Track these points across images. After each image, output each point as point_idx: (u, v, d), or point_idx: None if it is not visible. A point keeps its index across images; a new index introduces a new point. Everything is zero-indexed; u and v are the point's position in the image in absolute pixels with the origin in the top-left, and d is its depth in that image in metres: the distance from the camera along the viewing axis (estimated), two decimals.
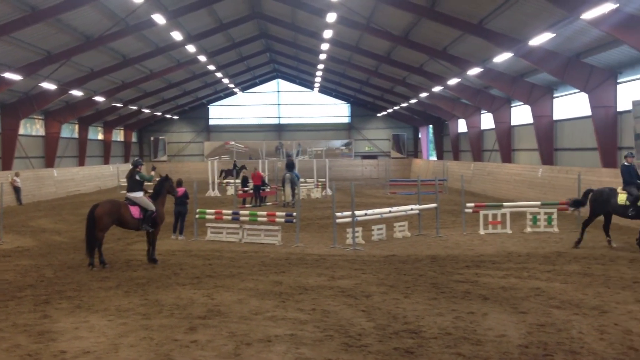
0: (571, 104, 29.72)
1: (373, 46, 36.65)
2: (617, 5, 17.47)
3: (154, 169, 17.28)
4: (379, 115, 63.42)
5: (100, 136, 53.43)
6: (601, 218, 16.72)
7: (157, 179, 15.92)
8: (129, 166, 16.62)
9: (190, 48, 35.04)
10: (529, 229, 19.60)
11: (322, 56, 40.55)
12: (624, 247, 16.35)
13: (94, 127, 51.18)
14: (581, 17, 18.52)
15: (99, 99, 40.76)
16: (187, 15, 31.15)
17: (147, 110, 53.83)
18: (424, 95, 42.59)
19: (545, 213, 19.83)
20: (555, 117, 31.31)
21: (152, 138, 64.26)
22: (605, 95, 25.20)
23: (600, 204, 16.32)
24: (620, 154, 25.23)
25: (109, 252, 16.24)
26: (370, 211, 18.61)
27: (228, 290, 11.84)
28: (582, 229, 16.79)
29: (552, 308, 10.16)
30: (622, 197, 15.75)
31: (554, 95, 31.27)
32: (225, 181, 41.04)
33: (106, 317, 9.95)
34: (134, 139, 61.95)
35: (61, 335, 8.95)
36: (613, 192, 16.09)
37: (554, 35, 21.86)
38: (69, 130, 46.64)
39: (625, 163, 16.03)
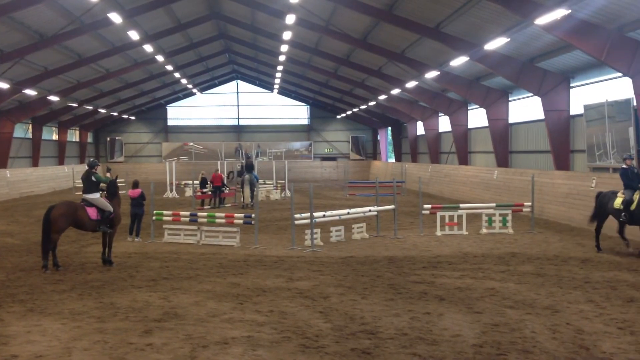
0: (525, 108, 30.29)
1: (332, 48, 36.79)
2: (570, 11, 17.88)
3: (109, 170, 17.05)
4: (338, 117, 63.66)
5: (55, 136, 52.38)
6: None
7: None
8: (84, 167, 16.42)
9: (148, 48, 34.62)
10: (484, 230, 19.92)
11: (282, 58, 40.53)
12: (575, 248, 16.74)
13: (48, 127, 50.14)
14: (535, 22, 18.90)
15: (54, 98, 39.96)
16: (145, 14, 30.79)
17: (103, 110, 52.97)
18: (382, 97, 42.92)
19: (500, 214, 20.19)
20: (510, 120, 31.87)
21: (108, 139, 63.29)
22: (558, 99, 25.74)
23: (602, 206, 16.05)
24: (573, 157, 25.83)
25: (63, 254, 15.94)
26: (328, 213, 18.68)
27: (185, 292, 11.74)
28: (595, 235, 16.35)
29: (506, 308, 10.35)
30: (618, 201, 15.46)
31: (509, 99, 31.82)
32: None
33: (59, 320, 9.77)
34: (89, 139, 60.91)
35: (13, 339, 8.76)
36: (613, 195, 15.76)
37: (509, 40, 22.26)
38: (22, 130, 45.60)
39: (624, 166, 15.77)
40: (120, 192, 15.93)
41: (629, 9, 18.00)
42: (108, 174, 16.64)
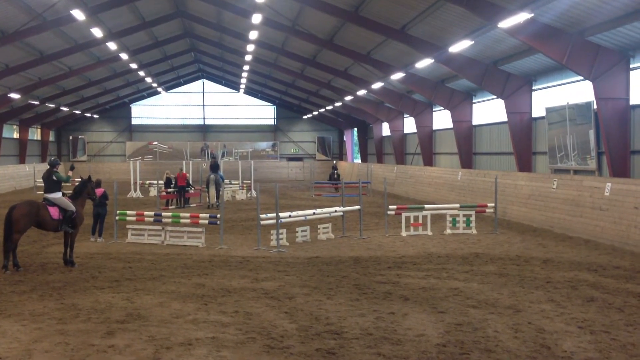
0: (489, 110, 30.68)
1: (299, 49, 36.79)
2: (532, 15, 18.19)
3: (72, 168, 16.74)
4: (304, 117, 63.70)
5: (16, 135, 51.31)
6: None
7: (77, 179, 15.53)
8: (46, 166, 16.21)
9: (112, 45, 34.17)
10: (448, 231, 20.10)
11: (248, 57, 40.40)
12: (537, 249, 17.00)
13: (9, 125, 49.09)
14: (498, 25, 19.19)
15: (15, 96, 39.14)
16: (108, 11, 30.38)
17: (65, 109, 52.14)
18: (348, 98, 43.07)
19: (464, 215, 20.39)
20: (474, 122, 32.24)
21: (71, 137, 62.29)
22: (521, 102, 26.14)
23: None
24: (535, 159, 26.25)
25: (24, 255, 15.64)
26: (294, 213, 18.67)
27: (148, 293, 11.61)
28: None
29: (469, 307, 10.46)
30: None
31: (473, 101, 32.19)
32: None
33: (19, 322, 9.58)
34: (51, 137, 59.83)
35: None
36: None
37: (473, 42, 22.54)
38: None
39: None
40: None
41: (590, 14, 18.37)
42: (70, 173, 16.32)
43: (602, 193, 18.76)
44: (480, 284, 12.35)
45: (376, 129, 49.73)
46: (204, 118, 64.44)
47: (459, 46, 22.69)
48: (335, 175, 42.31)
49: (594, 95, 20.19)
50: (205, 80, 63.35)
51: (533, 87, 26.09)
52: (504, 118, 27.09)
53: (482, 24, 21.59)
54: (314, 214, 19.13)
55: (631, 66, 19.89)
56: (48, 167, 14.89)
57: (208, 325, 9.42)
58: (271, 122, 65.29)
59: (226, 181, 35.11)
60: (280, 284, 12.48)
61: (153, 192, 35.84)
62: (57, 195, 14.53)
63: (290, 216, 18.23)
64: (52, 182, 14.56)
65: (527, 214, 23.14)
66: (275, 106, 64.87)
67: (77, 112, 56.36)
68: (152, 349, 8.26)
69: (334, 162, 53.18)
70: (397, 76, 30.70)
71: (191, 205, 30.49)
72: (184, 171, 31.66)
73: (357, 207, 20.25)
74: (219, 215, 17.67)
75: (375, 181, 41.31)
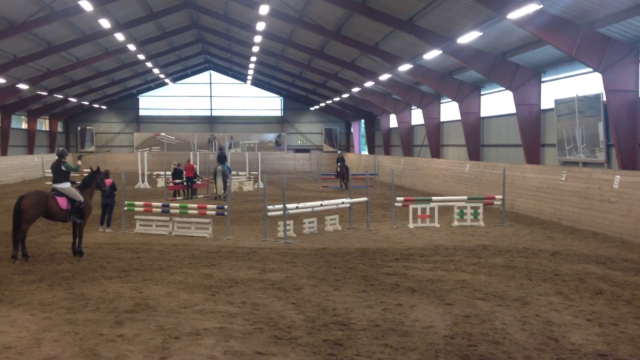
0: (497, 102, 30.54)
1: (306, 40, 36.70)
2: (541, 6, 18.05)
3: (80, 157, 16.83)
4: (311, 109, 63.61)
5: (24, 125, 51.48)
6: None
7: (86, 170, 15.62)
8: (54, 157, 16.29)
9: (119, 36, 34.19)
10: (456, 223, 20.07)
11: (255, 48, 40.31)
12: (545, 241, 16.96)
13: (17, 115, 49.23)
14: (507, 17, 19.05)
15: (23, 86, 39.25)
16: (116, 2, 30.37)
17: (73, 100, 52.23)
18: (356, 90, 42.95)
19: (472, 207, 20.35)
20: (482, 114, 32.11)
21: (79, 128, 62.42)
22: (530, 94, 26.00)
23: None
24: (544, 151, 26.14)
25: (32, 244, 15.72)
26: (301, 204, 18.68)
27: (157, 283, 11.66)
28: None
29: (476, 300, 10.45)
30: None
31: (481, 93, 32.05)
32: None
33: (29, 311, 9.64)
34: (60, 128, 60.00)
35: None
36: None
37: (481, 34, 22.41)
38: None
39: None
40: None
41: (600, 5, 18.23)
42: (79, 162, 16.41)
43: (610, 185, 18.68)
44: (487, 276, 12.33)
45: (383, 120, 49.62)
46: (211, 109, 64.46)
47: (468, 37, 22.56)
48: (340, 170, 34.94)
49: (603, 87, 20.05)
50: (212, 72, 63.30)
51: (542, 79, 25.94)
52: (513, 110, 26.96)
53: (491, 15, 21.45)
54: (321, 205, 19.13)
55: None
56: (56, 157, 14.95)
57: (216, 315, 9.45)
58: (278, 113, 65.25)
59: (233, 172, 35.14)
60: (287, 275, 12.50)
61: (161, 183, 35.91)
62: (66, 185, 14.59)
63: (297, 207, 18.24)
64: (60, 173, 14.63)
65: (535, 206, 23.07)
66: (282, 97, 64.81)
67: (85, 103, 56.47)
68: (161, 338, 8.30)
69: (339, 152, 43.23)
70: (404, 68, 30.57)
71: (198, 196, 30.56)
72: (192, 162, 31.69)
73: (365, 198, 20.23)
74: (226, 207, 17.71)
75: (382, 173, 41.26)
